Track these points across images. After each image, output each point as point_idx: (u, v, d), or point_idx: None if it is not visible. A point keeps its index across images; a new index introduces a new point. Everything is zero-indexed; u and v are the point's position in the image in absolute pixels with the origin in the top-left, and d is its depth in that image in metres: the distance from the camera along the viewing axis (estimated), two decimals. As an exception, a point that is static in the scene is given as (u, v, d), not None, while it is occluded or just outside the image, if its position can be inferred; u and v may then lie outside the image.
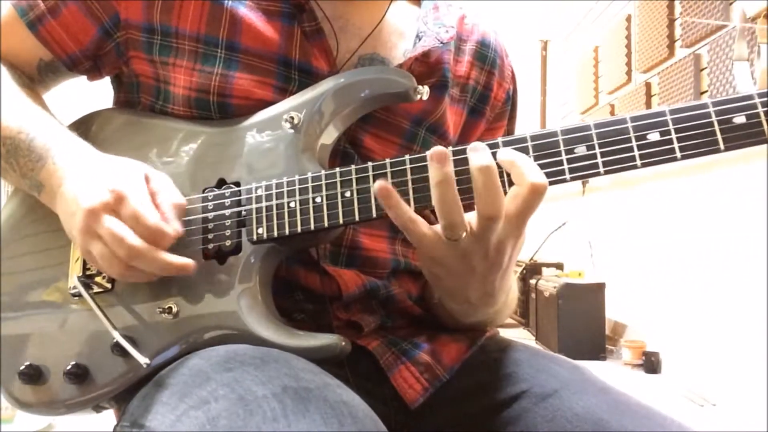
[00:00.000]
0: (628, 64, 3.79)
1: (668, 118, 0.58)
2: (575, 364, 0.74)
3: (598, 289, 3.62)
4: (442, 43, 0.80)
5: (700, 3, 2.92)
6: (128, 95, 0.81)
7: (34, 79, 0.82)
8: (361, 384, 0.67)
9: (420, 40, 0.80)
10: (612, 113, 4.02)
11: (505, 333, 0.84)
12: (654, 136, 0.58)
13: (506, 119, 0.88)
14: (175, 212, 0.66)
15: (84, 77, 0.84)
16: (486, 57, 0.85)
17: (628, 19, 3.83)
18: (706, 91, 2.84)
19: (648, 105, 3.52)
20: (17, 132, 0.72)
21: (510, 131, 0.90)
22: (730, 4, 2.73)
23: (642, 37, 3.59)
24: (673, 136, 0.58)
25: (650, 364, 3.19)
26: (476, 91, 0.84)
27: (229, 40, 0.73)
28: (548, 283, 3.83)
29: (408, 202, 0.63)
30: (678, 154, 0.58)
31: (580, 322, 3.54)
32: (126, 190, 0.63)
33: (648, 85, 3.55)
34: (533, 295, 4.11)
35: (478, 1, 0.89)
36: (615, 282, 3.68)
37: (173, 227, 0.65)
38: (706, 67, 2.88)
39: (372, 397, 0.70)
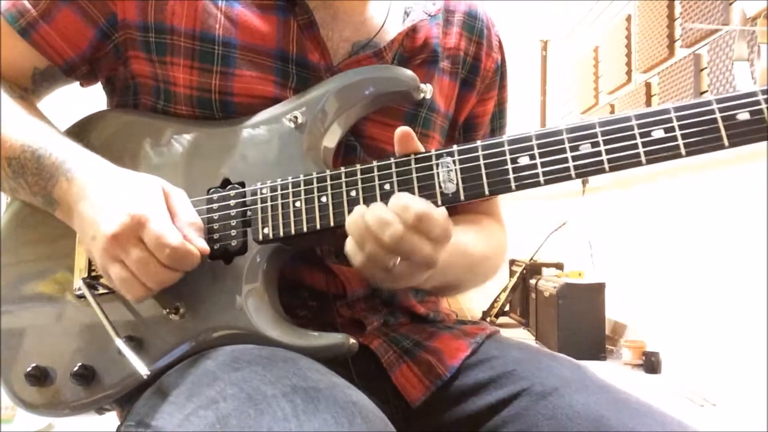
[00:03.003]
0: (628, 64, 3.79)
1: (672, 115, 0.58)
2: (575, 362, 0.74)
3: (598, 289, 3.62)
4: (429, 15, 0.81)
5: (700, 3, 2.92)
6: (123, 98, 0.80)
7: (28, 89, 0.79)
8: (362, 383, 0.67)
9: (408, 15, 0.80)
10: (612, 113, 4.01)
11: (505, 333, 0.84)
12: (658, 133, 0.58)
13: (497, 89, 0.89)
14: (194, 233, 0.65)
15: (77, 84, 0.82)
16: (474, 28, 0.86)
17: (628, 19, 3.83)
18: (706, 91, 2.84)
19: (648, 105, 3.52)
20: (21, 150, 0.69)
21: (501, 100, 0.90)
22: (730, 4, 2.73)
23: (642, 37, 3.59)
24: (678, 132, 0.58)
25: (650, 364, 3.19)
26: (467, 62, 0.85)
27: (226, 36, 0.73)
28: (548, 283, 3.83)
29: None
30: (683, 151, 0.58)
31: (580, 322, 3.54)
32: (147, 212, 0.62)
33: (648, 85, 3.55)
34: (533, 295, 4.11)
35: (478, 1, 0.89)
36: (615, 282, 3.68)
37: (198, 245, 0.64)
38: (706, 67, 2.88)
39: (373, 396, 0.70)
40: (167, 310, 0.66)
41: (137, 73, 0.76)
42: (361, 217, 0.60)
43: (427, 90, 0.70)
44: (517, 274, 4.45)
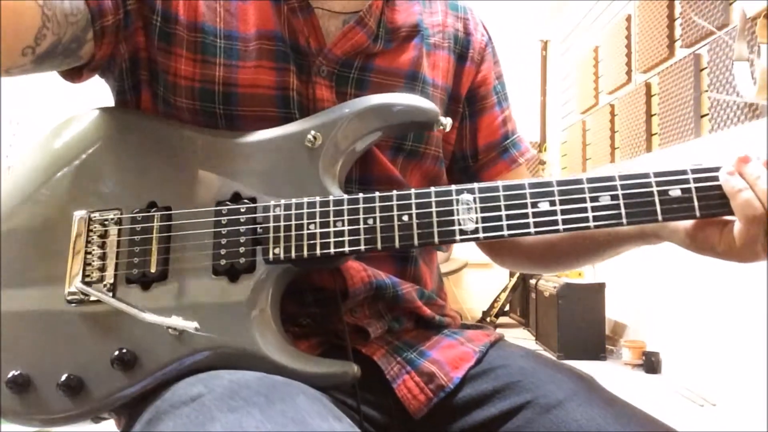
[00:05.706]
0: (628, 64, 3.79)
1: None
2: (581, 374, 0.74)
3: (598, 289, 3.63)
4: None
5: (700, 3, 2.92)
6: (120, 83, 0.76)
7: (29, 47, 0.62)
8: (364, 396, 0.67)
9: None
10: (612, 113, 4.02)
11: (505, 333, 0.83)
12: (675, 192, 0.62)
13: (492, 62, 0.91)
14: None
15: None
16: (457, 6, 0.90)
17: (628, 19, 3.83)
18: (707, 91, 2.84)
19: (648, 105, 3.52)
20: None
21: (498, 74, 0.92)
22: (730, 4, 2.72)
23: (642, 37, 3.59)
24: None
25: (650, 364, 3.20)
26: (458, 37, 0.87)
27: (227, 29, 0.74)
28: (548, 283, 3.83)
29: (431, 234, 0.64)
30: (697, 213, 0.62)
31: (580, 322, 3.55)
32: None
33: (648, 85, 3.54)
34: (533, 295, 4.11)
35: (477, 1, 0.90)
36: (615, 282, 3.68)
37: None
38: (706, 67, 2.87)
39: (375, 408, 0.70)
40: (165, 326, 0.64)
41: (140, 47, 0.74)
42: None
43: (447, 123, 0.71)
44: (517, 274, 4.45)
